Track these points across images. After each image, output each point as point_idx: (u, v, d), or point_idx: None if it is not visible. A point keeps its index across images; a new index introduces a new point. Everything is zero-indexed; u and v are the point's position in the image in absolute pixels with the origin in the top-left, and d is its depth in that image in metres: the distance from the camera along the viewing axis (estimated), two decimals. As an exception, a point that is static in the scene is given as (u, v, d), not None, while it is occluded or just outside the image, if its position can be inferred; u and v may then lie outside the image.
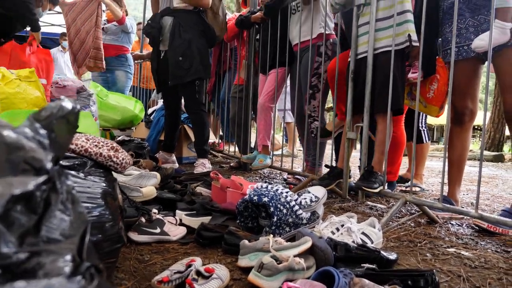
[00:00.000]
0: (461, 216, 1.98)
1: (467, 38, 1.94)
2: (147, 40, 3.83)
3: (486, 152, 7.13)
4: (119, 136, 3.54)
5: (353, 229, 1.44)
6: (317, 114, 2.69)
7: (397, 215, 2.11)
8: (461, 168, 2.14)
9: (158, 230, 1.50)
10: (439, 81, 2.17)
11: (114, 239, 1.00)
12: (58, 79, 3.29)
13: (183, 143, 3.82)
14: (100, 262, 0.56)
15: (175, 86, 3.02)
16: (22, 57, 3.29)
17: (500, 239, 1.72)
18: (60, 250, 0.48)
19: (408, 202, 2.01)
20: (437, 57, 2.18)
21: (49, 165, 0.51)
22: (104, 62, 4.20)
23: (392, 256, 1.32)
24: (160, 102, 4.06)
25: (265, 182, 3.00)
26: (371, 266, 1.17)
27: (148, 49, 5.00)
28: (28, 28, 3.56)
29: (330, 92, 2.77)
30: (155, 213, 1.56)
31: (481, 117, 1.73)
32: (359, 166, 2.33)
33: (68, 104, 0.61)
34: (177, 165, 3.38)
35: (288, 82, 3.14)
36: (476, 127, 13.81)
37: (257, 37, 3.34)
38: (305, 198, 1.63)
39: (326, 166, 2.39)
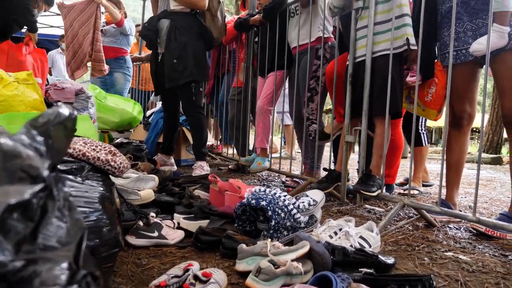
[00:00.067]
0: (459, 219, 1.98)
1: (465, 42, 1.95)
2: (146, 42, 3.83)
3: (484, 155, 7.13)
4: (117, 138, 3.54)
5: (351, 233, 1.44)
6: (316, 117, 2.69)
7: (395, 218, 2.11)
8: (459, 172, 2.14)
9: (156, 234, 1.50)
10: (437, 85, 2.17)
11: (111, 243, 1.00)
12: (57, 81, 3.28)
13: (182, 145, 3.82)
14: (97, 269, 0.56)
15: (173, 89, 3.01)
16: (20, 56, 3.32)
17: (498, 243, 1.73)
18: (57, 258, 0.48)
19: (406, 206, 2.01)
20: (435, 60, 2.19)
21: (45, 172, 0.51)
22: (106, 66, 4.19)
23: (390, 260, 1.32)
24: (159, 104, 4.06)
25: (264, 184, 3.00)
26: (368, 270, 1.17)
27: (147, 52, 5.00)
28: (24, 29, 3.57)
29: (328, 94, 2.78)
30: (153, 216, 1.56)
31: (479, 120, 1.74)
32: (357, 169, 2.33)
33: (65, 110, 0.61)
34: (175, 167, 3.38)
35: (287, 84, 3.14)
36: (474, 129, 13.82)
37: (256, 39, 3.35)
38: (303, 202, 1.63)
39: (325, 169, 2.39)
